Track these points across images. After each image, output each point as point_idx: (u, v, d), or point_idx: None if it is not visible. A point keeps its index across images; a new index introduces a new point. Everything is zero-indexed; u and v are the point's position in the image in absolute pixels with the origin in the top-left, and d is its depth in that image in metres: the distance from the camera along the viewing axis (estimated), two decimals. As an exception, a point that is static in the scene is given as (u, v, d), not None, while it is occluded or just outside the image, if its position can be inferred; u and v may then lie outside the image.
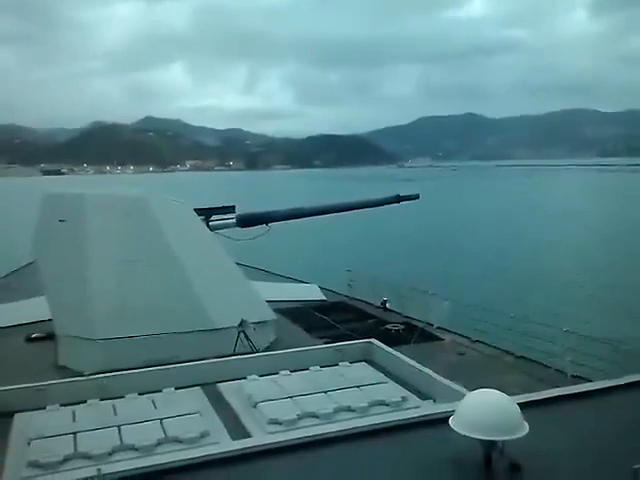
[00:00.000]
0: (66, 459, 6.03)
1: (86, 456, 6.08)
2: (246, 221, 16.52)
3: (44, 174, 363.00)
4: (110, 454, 6.13)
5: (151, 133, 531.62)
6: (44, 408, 7.37)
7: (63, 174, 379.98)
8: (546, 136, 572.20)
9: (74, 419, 7.02)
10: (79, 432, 6.55)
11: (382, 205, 19.47)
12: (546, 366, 13.17)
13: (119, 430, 6.60)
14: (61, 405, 7.46)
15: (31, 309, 16.40)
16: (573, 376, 12.28)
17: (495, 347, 14.74)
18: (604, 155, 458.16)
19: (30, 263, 20.40)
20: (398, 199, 18.85)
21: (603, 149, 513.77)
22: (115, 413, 7.18)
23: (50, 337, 14.55)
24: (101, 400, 7.63)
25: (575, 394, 6.05)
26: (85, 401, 7.55)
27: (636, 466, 4.37)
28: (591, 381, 8.01)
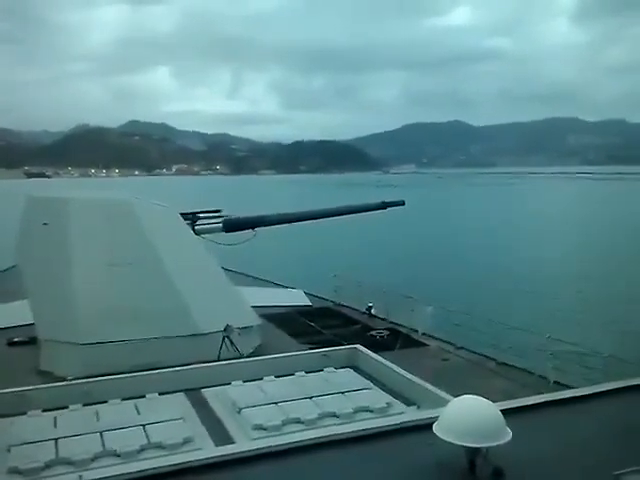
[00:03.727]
0: (47, 465, 5.97)
1: (68, 462, 6.02)
2: (232, 226, 16.48)
3: (28, 177, 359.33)
4: (92, 460, 6.08)
5: (137, 137, 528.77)
6: (25, 413, 7.29)
7: (47, 177, 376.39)
8: (529, 144, 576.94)
9: (56, 425, 6.95)
10: (61, 438, 6.49)
11: (368, 211, 19.56)
12: (529, 372, 13.27)
13: (101, 436, 6.55)
14: (43, 410, 7.38)
15: (13, 313, 16.21)
16: (555, 382, 12.38)
17: (479, 353, 14.83)
18: (586, 163, 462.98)
19: (13, 266, 20.18)
20: (384, 205, 18.96)
21: (585, 157, 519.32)
22: (98, 419, 7.12)
23: (32, 341, 14.39)
24: (84, 405, 7.56)
25: (557, 400, 6.11)
26: (67, 406, 7.48)
27: (617, 472, 4.42)
28: (573, 388, 8.09)
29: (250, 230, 16.60)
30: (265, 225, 16.97)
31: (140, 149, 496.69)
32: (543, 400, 6.08)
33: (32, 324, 14.12)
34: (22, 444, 6.37)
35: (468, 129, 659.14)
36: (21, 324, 15.36)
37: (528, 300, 34.24)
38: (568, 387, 9.84)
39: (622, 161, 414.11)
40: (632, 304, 32.52)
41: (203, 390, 8.24)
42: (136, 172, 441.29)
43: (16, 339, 15.30)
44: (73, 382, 8.66)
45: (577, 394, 6.34)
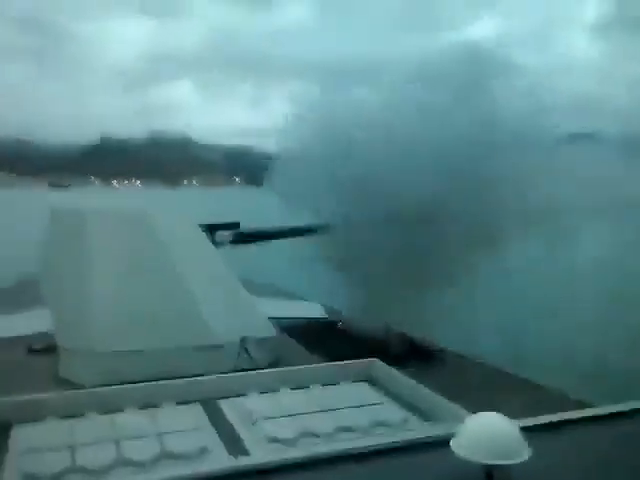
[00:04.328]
0: (63, 472, 5.98)
1: (83, 470, 6.03)
2: (238, 238, 16.39)
3: (52, 187, 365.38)
4: (108, 469, 6.08)
5: (159, 149, 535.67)
6: (43, 420, 7.33)
7: (70, 188, 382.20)
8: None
9: (73, 432, 6.97)
10: (77, 445, 6.51)
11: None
12: (550, 389, 13.05)
13: (117, 444, 6.55)
14: (60, 418, 7.41)
15: (34, 320, 16.36)
16: (577, 400, 12.16)
17: (498, 369, 14.64)
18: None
19: (34, 275, 20.46)
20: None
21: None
22: (114, 427, 7.13)
23: (52, 349, 14.51)
24: (100, 414, 7.58)
25: (579, 419, 5.97)
26: (84, 414, 7.51)
27: None
28: (595, 406, 7.93)
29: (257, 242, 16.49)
30: (267, 238, 16.76)
31: (162, 161, 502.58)
32: (564, 418, 5.93)
33: (52, 332, 14.26)
34: (39, 451, 6.40)
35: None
36: (42, 332, 15.50)
37: (551, 312, 33.63)
38: (590, 405, 9.64)
39: None
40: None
41: (219, 401, 8.21)
42: (158, 184, 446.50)
43: (36, 347, 15.42)
44: (91, 390, 8.69)
45: (600, 413, 6.18)
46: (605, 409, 6.29)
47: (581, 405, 10.61)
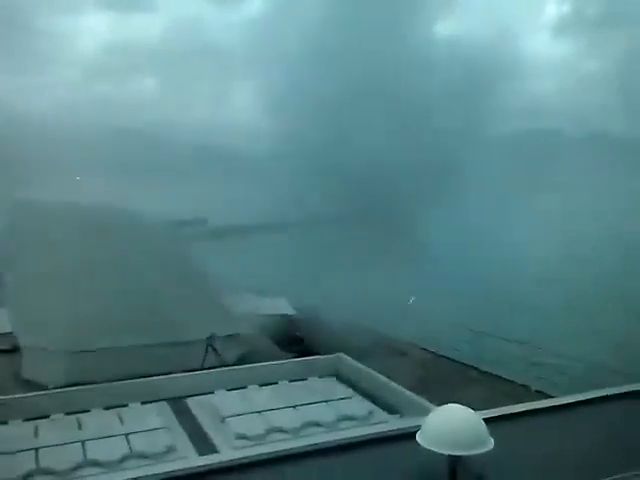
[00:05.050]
0: (28, 475, 5.91)
1: (49, 472, 5.97)
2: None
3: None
4: (74, 470, 6.03)
5: (121, 144, 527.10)
6: (6, 423, 7.20)
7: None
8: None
9: (37, 434, 6.88)
10: (42, 447, 6.42)
11: None
12: (511, 381, 13.34)
13: (83, 445, 6.50)
14: (24, 420, 7.31)
15: None
16: (537, 391, 12.47)
17: (461, 362, 14.90)
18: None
19: None
20: None
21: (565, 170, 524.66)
22: (80, 428, 7.07)
23: (14, 349, 14.19)
24: (65, 414, 7.50)
25: (539, 409, 6.15)
26: (49, 415, 7.41)
27: None
28: (555, 396, 8.15)
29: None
30: None
31: (126, 157, 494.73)
32: (525, 409, 6.11)
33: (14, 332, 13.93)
34: (2, 454, 6.30)
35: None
36: (3, 332, 15.15)
37: (511, 307, 34.20)
38: (550, 396, 9.91)
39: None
40: (619, 313, 32.52)
41: (186, 399, 8.21)
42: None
43: None
44: (55, 391, 8.58)
45: (559, 403, 6.37)
46: (563, 399, 6.49)
47: (542, 396, 10.91)
